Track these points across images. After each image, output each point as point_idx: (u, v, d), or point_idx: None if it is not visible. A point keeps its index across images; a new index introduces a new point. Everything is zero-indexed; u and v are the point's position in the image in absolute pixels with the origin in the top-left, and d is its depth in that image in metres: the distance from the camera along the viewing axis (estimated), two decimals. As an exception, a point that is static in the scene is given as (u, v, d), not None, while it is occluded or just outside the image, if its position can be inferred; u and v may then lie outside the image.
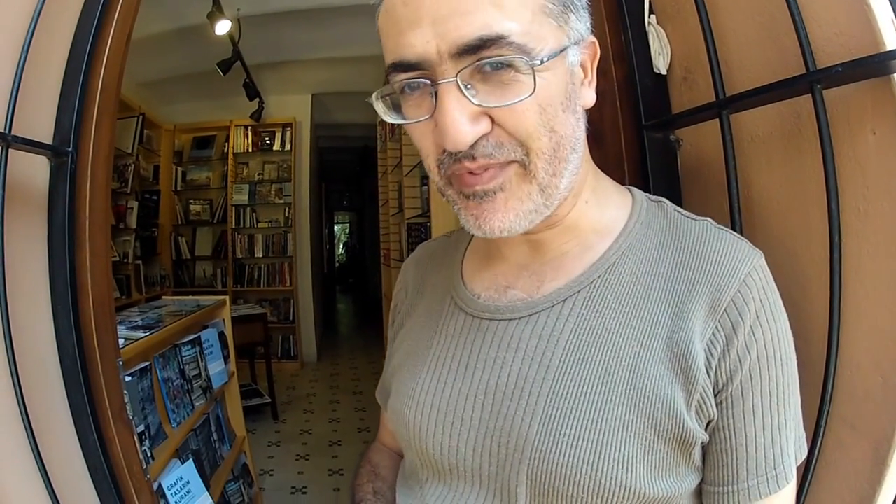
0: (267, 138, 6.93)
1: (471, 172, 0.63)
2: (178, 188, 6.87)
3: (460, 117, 0.59)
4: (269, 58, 5.63)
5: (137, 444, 1.22)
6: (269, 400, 5.20)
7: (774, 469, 0.66)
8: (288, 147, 6.91)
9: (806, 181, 0.85)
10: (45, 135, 1.06)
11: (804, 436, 0.71)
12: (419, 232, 4.40)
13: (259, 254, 6.97)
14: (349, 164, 11.41)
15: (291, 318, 7.05)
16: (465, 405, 0.72)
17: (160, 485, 2.11)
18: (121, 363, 1.25)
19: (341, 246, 17.56)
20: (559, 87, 0.62)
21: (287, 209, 6.98)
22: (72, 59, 1.09)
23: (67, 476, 1.05)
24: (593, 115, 1.25)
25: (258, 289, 6.96)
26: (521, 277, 0.76)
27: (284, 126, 6.92)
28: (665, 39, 1.13)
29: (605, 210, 0.75)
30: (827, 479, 0.84)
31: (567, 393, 0.66)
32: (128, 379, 1.99)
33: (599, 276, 0.71)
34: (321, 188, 10.17)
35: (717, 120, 0.95)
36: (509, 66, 0.58)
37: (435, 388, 0.75)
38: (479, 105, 0.59)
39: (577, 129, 0.66)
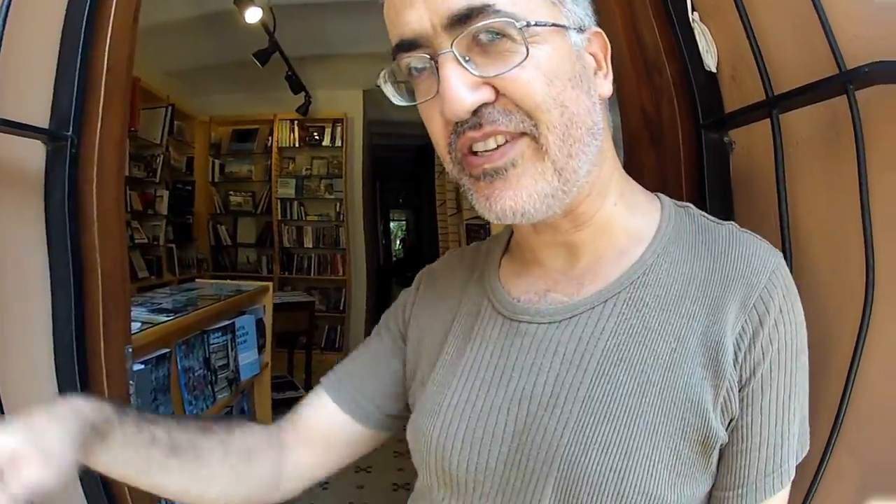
0: (315, 133, 7.05)
1: (475, 153, 0.66)
2: (216, 179, 7.08)
3: (458, 84, 0.62)
4: (313, 50, 5.68)
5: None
6: (304, 394, 5.12)
7: (780, 467, 0.68)
8: (338, 143, 7.00)
9: (844, 188, 0.84)
10: (41, 119, 1.07)
11: (808, 431, 0.73)
12: (478, 233, 4.45)
13: (309, 244, 7.11)
14: (405, 162, 11.48)
15: (342, 308, 7.12)
16: (498, 418, 0.72)
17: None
18: (130, 351, 1.27)
19: (398, 241, 17.76)
20: (563, 62, 0.65)
21: (338, 204, 7.09)
22: (65, 37, 1.09)
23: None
24: (651, 113, 1.24)
25: (308, 276, 7.10)
26: (560, 282, 0.77)
27: (335, 122, 7.02)
28: (709, 37, 1.12)
29: (634, 214, 0.77)
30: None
31: (602, 396, 0.68)
32: (139, 367, 1.97)
33: (638, 278, 0.73)
34: (375, 186, 10.25)
35: (768, 121, 0.94)
36: (504, 35, 0.62)
37: (465, 402, 0.75)
38: (479, 76, 0.62)
39: (593, 113, 0.68)
